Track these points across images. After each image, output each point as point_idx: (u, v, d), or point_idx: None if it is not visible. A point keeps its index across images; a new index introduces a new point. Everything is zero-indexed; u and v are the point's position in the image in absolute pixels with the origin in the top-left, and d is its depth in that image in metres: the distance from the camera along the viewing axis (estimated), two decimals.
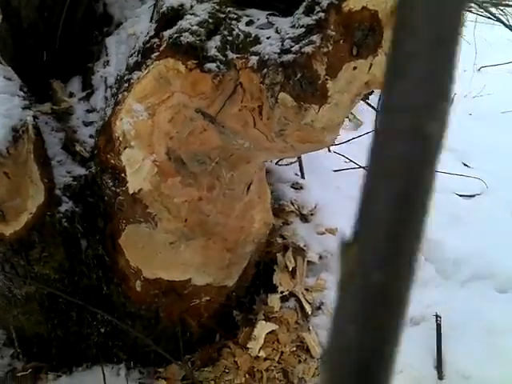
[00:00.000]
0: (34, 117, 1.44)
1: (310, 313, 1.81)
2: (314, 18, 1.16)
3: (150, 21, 1.57)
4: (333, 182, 2.33)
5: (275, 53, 1.17)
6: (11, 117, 1.35)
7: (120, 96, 1.41)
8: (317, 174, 2.37)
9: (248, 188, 1.58)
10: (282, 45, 1.17)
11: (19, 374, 1.71)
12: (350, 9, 1.12)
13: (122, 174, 1.39)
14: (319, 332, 1.78)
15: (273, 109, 1.22)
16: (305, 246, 1.92)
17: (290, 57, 1.15)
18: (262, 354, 1.73)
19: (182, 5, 1.33)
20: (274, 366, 1.74)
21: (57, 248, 1.52)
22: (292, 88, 1.16)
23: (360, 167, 2.56)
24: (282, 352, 1.76)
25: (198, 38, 1.26)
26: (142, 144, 1.36)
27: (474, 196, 2.64)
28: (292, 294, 1.82)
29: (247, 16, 1.29)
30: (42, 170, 1.45)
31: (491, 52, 4.48)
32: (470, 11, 3.30)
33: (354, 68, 1.17)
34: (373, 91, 1.40)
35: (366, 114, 3.32)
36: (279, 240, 1.93)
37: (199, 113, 1.32)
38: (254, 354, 1.73)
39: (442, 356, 1.72)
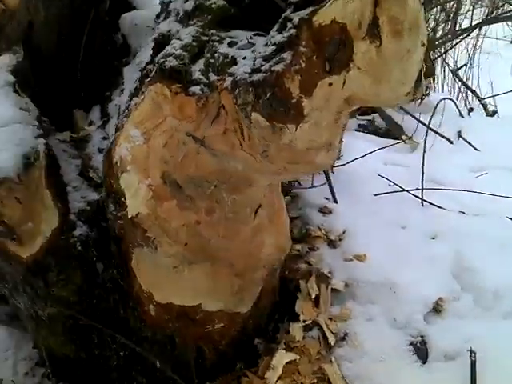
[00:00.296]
0: (48, 145, 1.53)
1: (333, 343, 1.72)
2: (286, 34, 1.14)
3: None
4: (370, 207, 2.23)
5: (246, 72, 1.16)
6: (23, 145, 1.45)
7: (120, 122, 1.47)
8: (354, 197, 2.29)
9: (256, 212, 1.55)
10: (254, 64, 1.16)
11: None
12: (320, 23, 1.08)
13: (122, 199, 1.43)
14: (342, 364, 1.69)
15: (250, 129, 1.21)
16: (330, 272, 1.85)
17: (259, 76, 1.13)
18: None
19: (169, 30, 1.37)
20: None
21: (74, 271, 1.58)
22: (262, 107, 1.14)
23: (404, 190, 2.44)
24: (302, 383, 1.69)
25: (181, 62, 1.29)
26: (138, 168, 1.40)
27: None
28: (315, 323, 1.75)
29: (230, 38, 1.29)
30: (55, 195, 1.53)
31: None
32: None
33: (330, 84, 1.12)
34: None
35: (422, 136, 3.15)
36: (304, 266, 1.88)
37: (190, 136, 1.34)
38: None
39: None
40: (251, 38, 1.28)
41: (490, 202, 2.31)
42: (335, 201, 2.22)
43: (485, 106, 4.14)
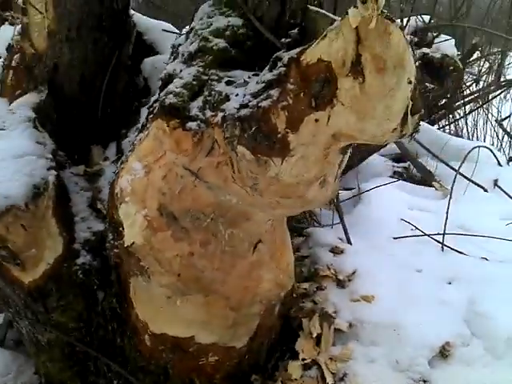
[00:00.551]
0: (58, 176, 1.60)
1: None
2: (275, 72, 1.18)
3: None
4: (386, 249, 2.19)
5: (235, 108, 1.20)
6: (34, 176, 1.53)
7: (126, 156, 1.53)
8: (370, 240, 2.26)
9: (255, 247, 1.56)
10: (243, 100, 1.19)
11: None
12: (307, 62, 1.12)
13: (121, 228, 1.47)
14: None
15: (238, 162, 1.23)
16: (334, 312, 1.81)
17: (246, 111, 1.17)
18: None
19: (174, 70, 1.43)
20: None
21: (75, 298, 1.62)
22: (247, 141, 1.17)
23: (424, 235, 2.39)
24: None
25: (180, 99, 1.34)
26: (136, 199, 1.44)
27: None
28: (315, 363, 1.71)
29: (228, 77, 1.34)
30: (61, 224, 1.59)
31: None
32: None
33: (316, 120, 1.14)
34: None
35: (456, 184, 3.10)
36: (309, 305, 1.85)
37: (186, 170, 1.38)
38: None
39: None
40: (249, 77, 1.32)
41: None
42: (349, 241, 2.19)
43: None
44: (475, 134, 4.83)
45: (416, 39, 3.71)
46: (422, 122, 4.24)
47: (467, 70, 4.70)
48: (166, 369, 1.64)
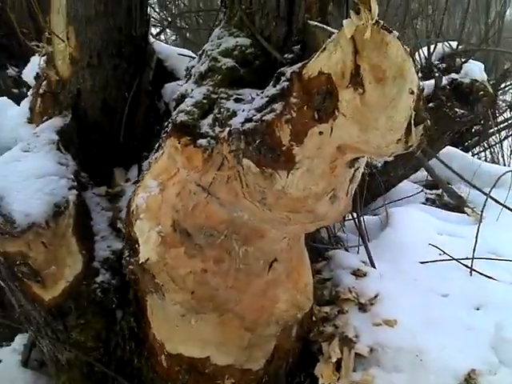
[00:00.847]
0: (79, 196, 1.65)
1: None
2: (279, 87, 1.20)
3: None
4: (411, 274, 2.13)
5: (240, 122, 1.22)
6: (55, 195, 1.59)
7: (142, 175, 1.57)
8: (396, 264, 2.20)
9: (270, 265, 1.56)
10: (247, 115, 1.22)
11: None
12: (309, 75, 1.14)
13: (136, 245, 1.50)
14: None
15: (244, 176, 1.25)
16: (356, 336, 1.76)
17: (250, 125, 1.19)
18: None
19: (186, 90, 1.48)
20: None
21: (93, 317, 1.65)
22: (251, 154, 1.19)
23: (452, 259, 2.32)
24: None
25: (190, 117, 1.38)
26: (150, 216, 1.47)
27: None
28: None
29: (237, 95, 1.37)
30: (81, 243, 1.64)
31: None
32: None
33: (320, 133, 1.15)
34: None
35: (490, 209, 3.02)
36: (330, 329, 1.81)
37: (199, 186, 1.40)
38: None
39: None
40: (257, 94, 1.35)
41: None
42: (373, 265, 2.15)
43: None
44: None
45: (444, 65, 3.70)
46: (453, 148, 4.18)
47: (500, 96, 4.63)
48: None
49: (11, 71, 3.75)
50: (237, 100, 1.36)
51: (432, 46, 3.43)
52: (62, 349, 1.68)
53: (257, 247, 1.50)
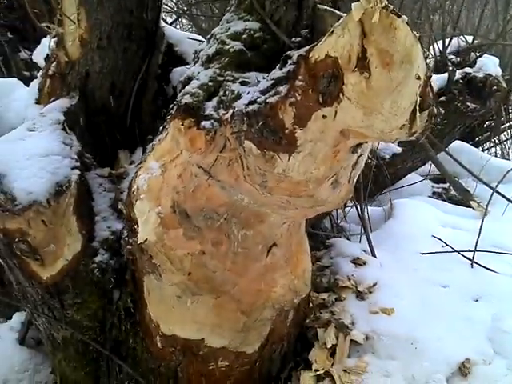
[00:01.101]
0: (81, 176, 1.65)
1: None
2: (285, 70, 1.19)
3: None
4: (412, 264, 2.13)
5: (244, 104, 1.21)
6: (57, 174, 1.58)
7: (144, 156, 1.56)
8: (397, 254, 2.21)
9: (269, 250, 1.55)
10: (252, 97, 1.21)
11: None
12: (315, 59, 1.12)
13: (135, 226, 1.50)
14: None
15: (246, 158, 1.24)
16: (352, 323, 1.76)
17: (254, 107, 1.18)
18: None
19: (193, 72, 1.46)
20: None
21: (90, 296, 1.65)
22: (253, 135, 1.17)
23: (454, 251, 2.31)
24: None
25: (195, 99, 1.36)
26: (151, 197, 1.46)
27: None
28: (328, 374, 1.66)
29: (244, 78, 1.35)
30: (81, 222, 1.63)
31: None
32: None
33: (324, 117, 1.14)
34: None
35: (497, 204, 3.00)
36: (326, 315, 1.81)
37: (200, 168, 1.39)
38: None
39: None
40: (263, 78, 1.34)
41: None
42: (373, 254, 2.15)
43: None
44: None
45: (458, 59, 3.67)
46: (463, 143, 4.14)
47: None
48: (176, 372, 1.64)
49: (24, 54, 3.75)
50: (243, 83, 1.34)
51: (447, 40, 3.40)
52: (57, 327, 1.68)
53: (256, 231, 1.50)
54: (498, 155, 4.66)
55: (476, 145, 4.36)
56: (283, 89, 1.16)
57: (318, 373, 1.66)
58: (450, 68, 3.19)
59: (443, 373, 1.61)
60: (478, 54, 3.45)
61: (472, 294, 1.99)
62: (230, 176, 1.34)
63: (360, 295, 1.89)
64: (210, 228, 1.44)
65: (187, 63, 2.20)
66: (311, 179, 1.25)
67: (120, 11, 1.85)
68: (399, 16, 1.02)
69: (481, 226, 2.43)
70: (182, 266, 1.45)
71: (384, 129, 1.12)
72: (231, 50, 1.42)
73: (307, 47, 1.16)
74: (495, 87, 3.24)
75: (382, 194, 3.18)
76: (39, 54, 2.24)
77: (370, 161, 2.61)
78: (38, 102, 2.14)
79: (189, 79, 1.49)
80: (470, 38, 3.66)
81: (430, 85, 1.15)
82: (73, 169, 1.63)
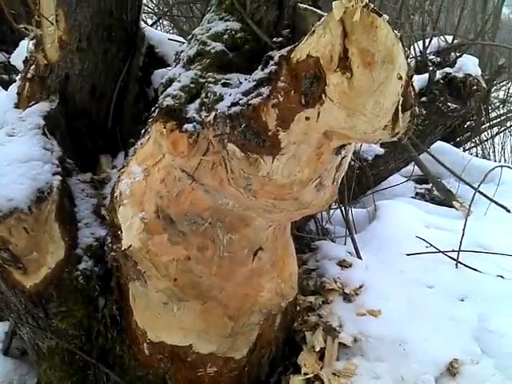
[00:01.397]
0: (63, 182, 1.62)
1: None
2: (266, 71, 1.18)
3: None
4: (397, 265, 2.14)
5: (226, 106, 1.20)
6: (38, 180, 1.56)
7: (127, 161, 1.55)
8: (382, 255, 2.21)
9: (255, 254, 1.54)
10: (234, 99, 1.20)
11: None
12: (297, 59, 1.11)
13: (119, 232, 1.48)
14: None
15: (229, 161, 1.23)
16: (339, 326, 1.76)
17: (236, 109, 1.17)
18: None
19: (174, 74, 1.45)
20: None
21: (75, 304, 1.62)
22: (236, 138, 1.16)
23: (438, 252, 2.32)
24: None
25: (177, 102, 1.35)
26: (134, 202, 1.44)
27: None
28: (317, 377, 1.66)
29: (225, 79, 1.34)
30: (64, 229, 1.61)
31: None
32: None
33: (307, 118, 1.13)
34: None
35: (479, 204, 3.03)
36: (314, 318, 1.80)
37: (183, 172, 1.38)
38: None
39: None
40: (245, 79, 1.33)
41: None
42: (358, 256, 2.15)
43: None
44: (503, 157, 4.73)
45: (438, 59, 3.69)
46: (444, 143, 4.17)
47: (494, 93, 4.63)
48: (165, 379, 1.62)
49: (1, 57, 3.69)
50: (224, 84, 1.32)
51: (427, 40, 3.42)
52: (42, 336, 1.65)
53: (242, 235, 1.48)
54: (479, 155, 4.71)
55: (457, 145, 4.40)
56: (265, 90, 1.15)
57: (308, 376, 1.66)
58: (431, 68, 3.22)
59: (432, 373, 1.61)
60: (457, 54, 3.48)
61: (457, 294, 2.00)
62: (214, 180, 1.32)
63: (347, 297, 1.89)
64: (194, 233, 1.43)
65: (168, 65, 2.18)
66: (295, 182, 1.24)
67: (99, 12, 1.83)
68: (380, 15, 1.02)
69: (464, 226, 2.44)
70: (168, 271, 1.43)
71: (367, 130, 1.12)
72: (212, 50, 1.41)
73: (289, 47, 1.15)
74: (475, 87, 3.27)
75: (365, 195, 3.18)
76: (18, 57, 2.20)
77: (353, 163, 2.62)
78: (17, 106, 2.11)
79: (170, 81, 1.48)
80: (449, 38, 3.69)
81: (412, 85, 1.15)
82: (54, 174, 1.61)
